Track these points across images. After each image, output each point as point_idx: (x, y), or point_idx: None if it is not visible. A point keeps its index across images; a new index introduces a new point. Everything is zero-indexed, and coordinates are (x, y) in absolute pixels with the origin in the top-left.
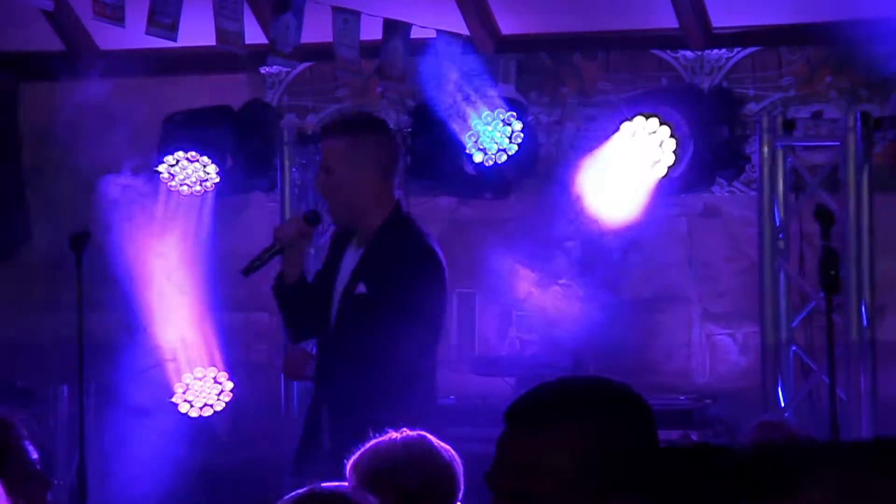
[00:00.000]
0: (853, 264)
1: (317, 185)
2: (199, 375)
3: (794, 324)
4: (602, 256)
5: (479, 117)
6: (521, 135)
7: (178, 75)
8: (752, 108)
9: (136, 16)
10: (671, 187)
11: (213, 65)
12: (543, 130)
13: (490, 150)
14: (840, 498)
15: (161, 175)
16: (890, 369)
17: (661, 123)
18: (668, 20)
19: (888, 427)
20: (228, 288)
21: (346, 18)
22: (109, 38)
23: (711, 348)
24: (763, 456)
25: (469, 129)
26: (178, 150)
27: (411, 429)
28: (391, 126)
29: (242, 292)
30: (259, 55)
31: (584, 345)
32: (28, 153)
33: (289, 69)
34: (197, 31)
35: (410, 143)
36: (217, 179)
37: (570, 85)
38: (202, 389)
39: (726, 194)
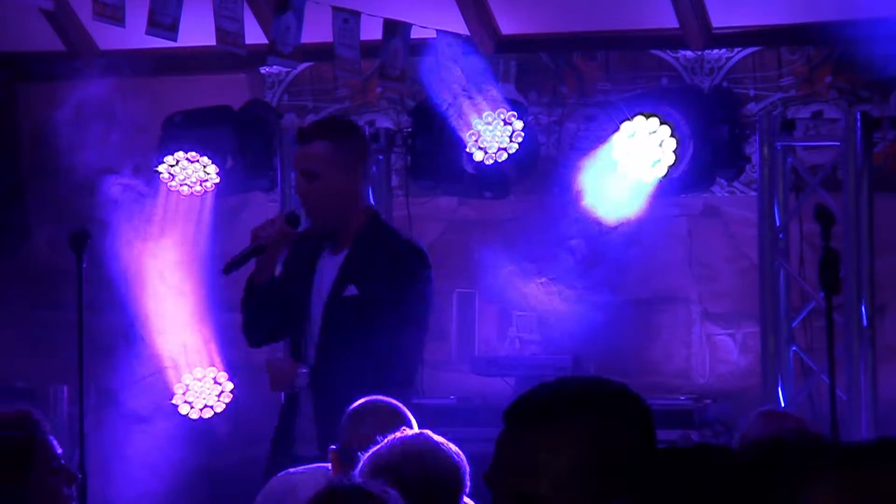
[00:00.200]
0: (853, 264)
1: (298, 190)
2: (199, 376)
3: (794, 324)
4: (602, 256)
5: (480, 117)
6: (522, 134)
7: (178, 75)
8: (752, 108)
9: (136, 16)
10: (671, 187)
11: (213, 65)
12: (543, 130)
13: (490, 149)
14: (841, 499)
15: (161, 175)
16: (890, 369)
17: (661, 123)
18: (668, 20)
19: (888, 427)
20: (228, 288)
21: (346, 18)
22: (109, 38)
23: (711, 348)
24: (764, 457)
25: (469, 128)
26: (178, 150)
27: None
28: (391, 126)
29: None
30: (259, 55)
31: (584, 345)
32: (28, 153)
33: (289, 69)
34: (197, 31)
35: (410, 143)
36: (217, 179)
37: (570, 85)
38: (202, 390)
39: (726, 194)
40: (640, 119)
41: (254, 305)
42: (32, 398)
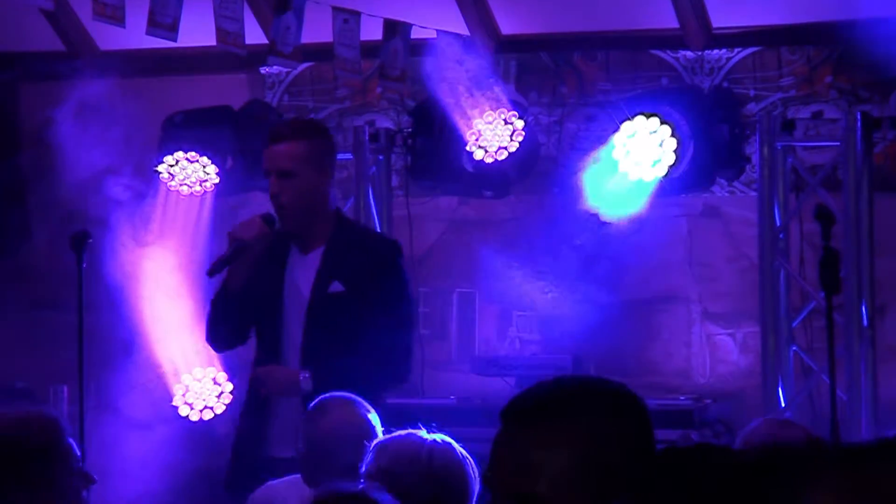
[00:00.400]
0: (853, 264)
1: (271, 190)
2: (199, 377)
3: (794, 324)
4: (602, 256)
5: (481, 116)
6: (523, 133)
7: (178, 75)
8: (752, 108)
9: (136, 16)
10: (671, 187)
11: (213, 65)
12: (543, 130)
13: (491, 148)
14: (841, 499)
15: (161, 175)
16: (890, 369)
17: (661, 123)
18: (668, 20)
19: (888, 427)
20: None
21: (346, 18)
22: (109, 38)
23: (711, 348)
24: (764, 458)
25: (470, 128)
26: (178, 150)
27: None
28: (391, 126)
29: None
30: (259, 55)
31: (584, 345)
32: (28, 153)
33: (289, 69)
34: (197, 31)
35: (410, 143)
36: (217, 180)
37: (570, 85)
38: (202, 391)
39: (726, 194)
40: (640, 119)
41: (227, 309)
42: (32, 398)
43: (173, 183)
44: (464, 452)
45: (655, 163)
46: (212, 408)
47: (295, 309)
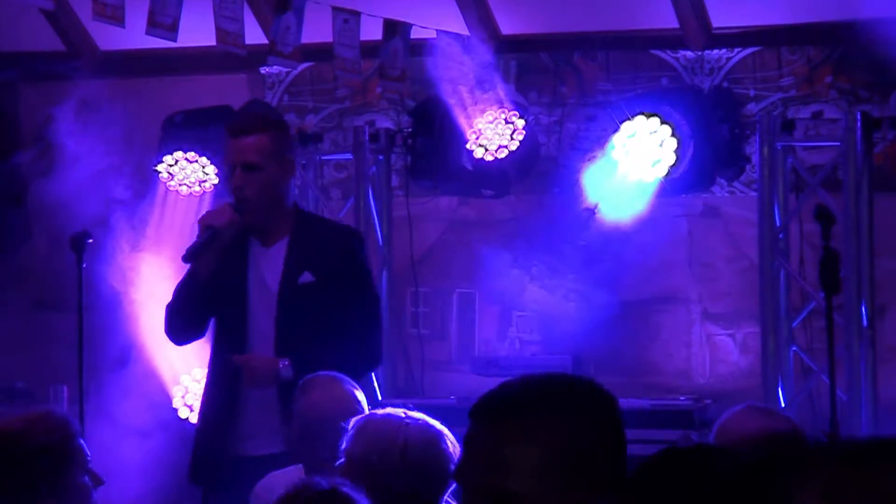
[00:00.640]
0: (853, 264)
1: (236, 182)
2: (198, 377)
3: (794, 324)
4: (602, 257)
5: (482, 116)
6: (523, 132)
7: (178, 75)
8: (752, 108)
9: (136, 16)
10: (671, 187)
11: (213, 65)
12: (543, 130)
13: (491, 146)
14: (836, 498)
15: (160, 175)
16: (890, 369)
17: (661, 123)
18: (668, 20)
19: (888, 427)
20: None
21: (346, 18)
22: (109, 38)
23: (711, 348)
24: (763, 458)
25: (471, 127)
26: (177, 150)
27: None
28: (391, 126)
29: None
30: (259, 55)
31: (584, 345)
32: (28, 153)
33: (289, 69)
34: (197, 31)
35: (410, 143)
36: (216, 180)
37: (570, 85)
38: (201, 392)
39: (726, 194)
40: (640, 119)
41: (193, 298)
42: (32, 398)
43: (172, 183)
44: (441, 429)
45: (655, 163)
46: None
47: (261, 301)
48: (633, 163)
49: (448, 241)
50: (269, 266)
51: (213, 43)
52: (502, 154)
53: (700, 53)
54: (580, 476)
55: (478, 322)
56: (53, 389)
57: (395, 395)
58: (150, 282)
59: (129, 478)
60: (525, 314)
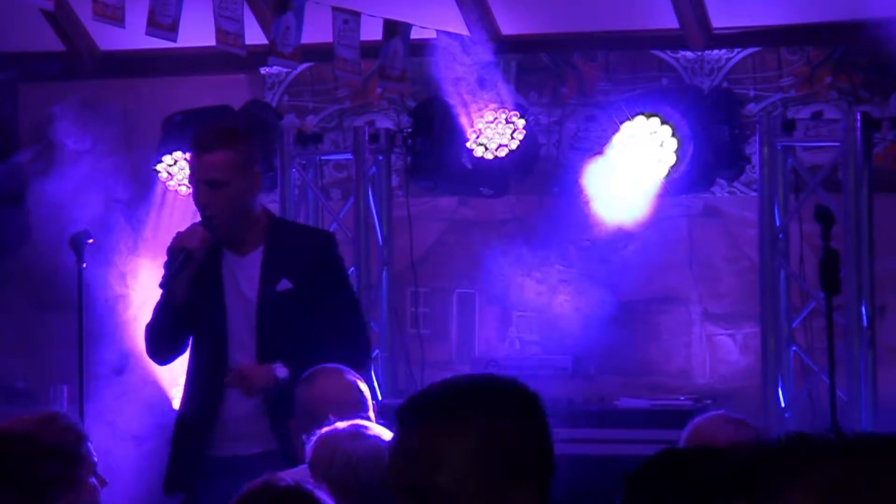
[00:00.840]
0: (853, 264)
1: (201, 199)
2: None
3: (794, 324)
4: (602, 257)
5: (482, 116)
6: (524, 132)
7: (178, 75)
8: (752, 108)
9: (136, 16)
10: (671, 187)
11: (213, 65)
12: (543, 131)
13: (491, 145)
14: (823, 498)
15: (159, 175)
16: (890, 369)
17: (661, 123)
18: (668, 20)
19: (888, 427)
20: None
21: (347, 19)
22: (109, 38)
23: (712, 349)
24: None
25: (471, 127)
26: (177, 150)
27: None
28: (391, 126)
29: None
30: (259, 55)
31: (584, 345)
32: (28, 153)
33: (289, 69)
34: (197, 31)
35: (410, 143)
36: None
37: (570, 85)
38: None
39: (726, 195)
40: (640, 119)
41: (173, 323)
42: (32, 398)
43: (172, 183)
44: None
45: (656, 163)
46: None
47: (239, 310)
48: (634, 163)
49: (448, 241)
50: (245, 275)
51: (213, 43)
52: (502, 153)
53: (700, 54)
54: (506, 472)
55: (478, 322)
56: (53, 390)
57: (396, 395)
58: (148, 286)
59: (126, 481)
60: (525, 314)
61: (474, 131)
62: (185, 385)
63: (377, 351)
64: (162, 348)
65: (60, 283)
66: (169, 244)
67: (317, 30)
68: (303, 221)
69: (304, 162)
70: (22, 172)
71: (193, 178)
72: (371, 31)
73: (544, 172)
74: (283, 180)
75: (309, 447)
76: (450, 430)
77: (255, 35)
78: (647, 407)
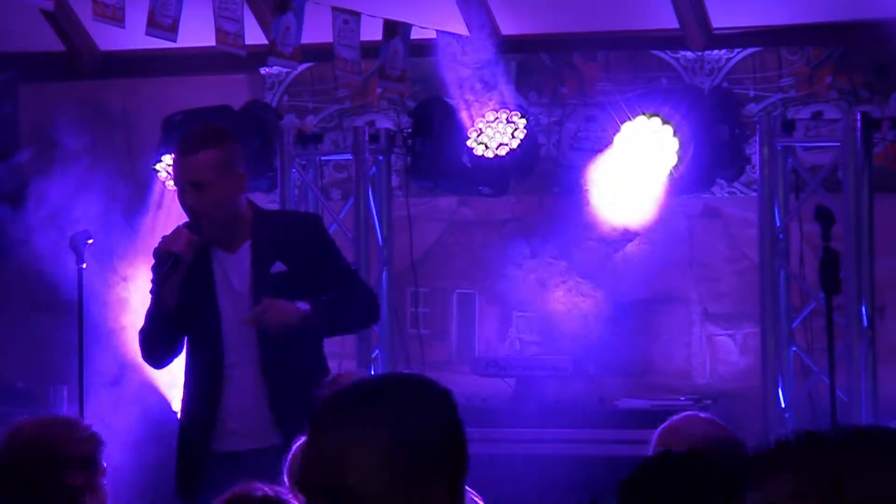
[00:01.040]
0: (853, 264)
1: (186, 202)
2: None
3: (794, 324)
4: (602, 256)
5: (483, 116)
6: (524, 131)
7: (178, 75)
8: (752, 108)
9: (136, 16)
10: (672, 188)
11: (213, 65)
12: (543, 131)
13: (492, 144)
14: (795, 489)
15: (158, 174)
16: (890, 369)
17: (662, 123)
18: (668, 20)
19: None
20: None
21: (347, 19)
22: (109, 38)
23: (712, 349)
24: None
25: (471, 127)
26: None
27: None
28: (391, 126)
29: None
30: (259, 56)
31: (584, 345)
32: (28, 153)
33: (289, 70)
34: (197, 31)
35: (410, 143)
36: None
37: (570, 85)
38: None
39: (726, 195)
40: (641, 119)
41: (166, 327)
42: (32, 398)
43: (171, 182)
44: None
45: (658, 164)
46: None
47: (233, 305)
48: (635, 164)
49: (448, 241)
50: (236, 271)
51: (213, 43)
52: (503, 151)
53: (700, 54)
54: (417, 469)
55: (478, 322)
56: (53, 390)
57: None
58: (146, 286)
59: (124, 482)
60: (525, 314)
61: (475, 130)
62: (185, 387)
63: (377, 351)
64: (156, 352)
65: (60, 283)
66: (154, 249)
67: (317, 30)
68: None
69: (304, 162)
70: (22, 172)
71: (178, 181)
72: (371, 31)
73: (544, 172)
74: (283, 180)
75: (290, 455)
76: (357, 433)
77: (255, 35)
78: (647, 407)
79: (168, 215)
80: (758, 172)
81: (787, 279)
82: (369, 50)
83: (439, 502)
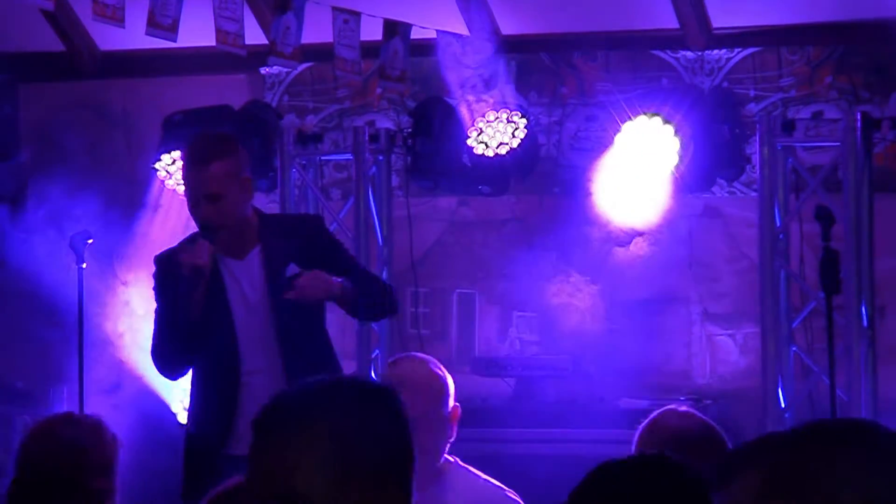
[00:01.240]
0: (853, 264)
1: (200, 214)
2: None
3: (794, 324)
4: (602, 257)
5: (483, 116)
6: (525, 131)
7: (178, 75)
8: (752, 108)
9: (136, 16)
10: (672, 188)
11: (213, 65)
12: (543, 131)
13: (492, 143)
14: (763, 485)
15: (158, 173)
16: (890, 369)
17: (663, 123)
18: (668, 20)
19: (889, 427)
20: None
21: (347, 18)
22: (109, 38)
23: (712, 349)
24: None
25: (472, 126)
26: (175, 149)
27: None
28: (391, 126)
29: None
30: (259, 55)
31: (584, 345)
32: (28, 153)
33: (289, 70)
34: (197, 31)
35: (410, 143)
36: None
37: (570, 85)
38: None
39: (726, 195)
40: (642, 119)
41: (187, 338)
42: (32, 399)
43: (170, 182)
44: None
45: (659, 163)
46: None
47: (246, 311)
48: (636, 164)
49: (448, 241)
50: (247, 278)
51: (213, 43)
52: (503, 150)
53: (700, 54)
54: (362, 471)
55: (478, 322)
56: (53, 390)
57: None
58: (143, 286)
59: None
60: (525, 314)
61: (475, 130)
62: (195, 395)
63: (377, 351)
64: (177, 366)
65: (59, 283)
66: (173, 265)
67: (317, 30)
68: None
69: (304, 162)
70: (22, 172)
71: (191, 193)
72: (371, 31)
73: (544, 172)
74: (283, 180)
75: None
76: (302, 437)
77: (255, 35)
78: (647, 407)
79: (167, 215)
80: (758, 172)
81: (787, 279)
82: (369, 50)
83: (389, 501)
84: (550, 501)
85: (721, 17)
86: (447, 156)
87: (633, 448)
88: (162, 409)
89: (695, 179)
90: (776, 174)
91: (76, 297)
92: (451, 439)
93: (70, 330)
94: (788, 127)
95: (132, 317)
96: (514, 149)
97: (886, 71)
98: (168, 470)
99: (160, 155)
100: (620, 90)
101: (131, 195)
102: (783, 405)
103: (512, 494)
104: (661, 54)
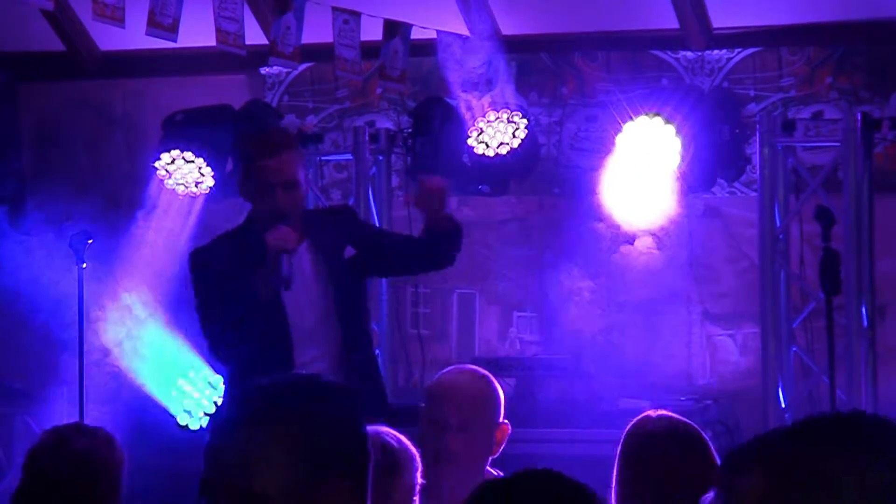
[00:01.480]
0: (853, 264)
1: (282, 203)
2: (195, 382)
3: (794, 324)
4: (602, 257)
5: (484, 116)
6: (525, 131)
7: (178, 75)
8: (752, 108)
9: (136, 16)
10: (673, 188)
11: (213, 65)
12: (543, 131)
13: (492, 143)
14: (768, 484)
15: (158, 172)
16: (890, 369)
17: (664, 123)
18: (668, 20)
19: None
20: None
21: (347, 19)
22: (109, 38)
23: (712, 349)
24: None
25: (472, 126)
26: (175, 148)
27: None
28: (391, 126)
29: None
30: (259, 55)
31: (584, 345)
32: (28, 153)
33: (289, 70)
34: (197, 31)
35: (410, 143)
36: (212, 183)
37: (570, 85)
38: (199, 395)
39: (727, 195)
40: (643, 119)
41: (265, 321)
42: (31, 399)
43: (170, 182)
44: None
45: (661, 164)
46: (210, 414)
47: (298, 302)
48: (639, 164)
49: None
50: (298, 268)
51: (213, 43)
52: (503, 150)
53: (700, 54)
54: (324, 467)
55: (478, 322)
56: (52, 391)
57: (396, 395)
58: (143, 286)
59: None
60: (525, 314)
61: (476, 130)
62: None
63: (377, 351)
64: (233, 346)
65: (59, 283)
66: (263, 248)
67: (317, 30)
68: None
69: (304, 162)
70: (22, 172)
71: (266, 182)
72: (371, 31)
73: (544, 172)
74: None
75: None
76: (262, 436)
77: (255, 35)
78: (647, 407)
79: (166, 215)
80: (758, 172)
81: (787, 279)
82: (369, 50)
83: (346, 498)
84: None
85: (721, 18)
86: (447, 156)
87: (617, 457)
88: (160, 410)
89: (695, 180)
90: (776, 174)
91: (76, 297)
92: (495, 455)
93: (69, 330)
94: (789, 127)
95: (132, 317)
96: (515, 149)
97: (886, 71)
98: (162, 471)
99: (160, 154)
100: (621, 90)
101: (131, 195)
102: (783, 405)
103: None
104: (662, 54)
